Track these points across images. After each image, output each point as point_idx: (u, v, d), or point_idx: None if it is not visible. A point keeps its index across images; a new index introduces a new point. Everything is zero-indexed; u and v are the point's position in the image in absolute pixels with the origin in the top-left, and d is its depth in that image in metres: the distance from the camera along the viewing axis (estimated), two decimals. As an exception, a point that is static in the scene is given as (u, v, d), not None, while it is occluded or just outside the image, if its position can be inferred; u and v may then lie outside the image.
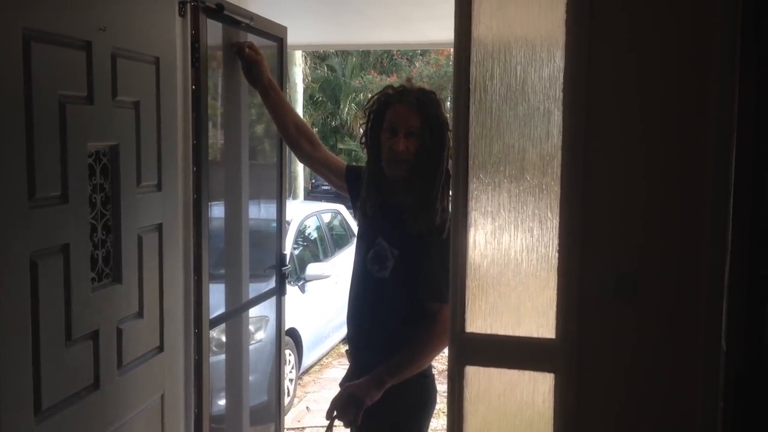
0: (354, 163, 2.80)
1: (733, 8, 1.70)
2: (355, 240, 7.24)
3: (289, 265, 3.61)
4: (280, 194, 3.42)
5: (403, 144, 2.26)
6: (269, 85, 2.73)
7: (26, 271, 1.75)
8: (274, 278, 3.54)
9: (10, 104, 1.68)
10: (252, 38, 2.92)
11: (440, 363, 4.25)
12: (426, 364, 2.28)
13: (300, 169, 15.09)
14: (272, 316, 4.63)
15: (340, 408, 2.23)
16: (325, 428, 2.33)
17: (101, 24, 2.00)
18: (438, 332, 2.21)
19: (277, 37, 3.25)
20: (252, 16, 2.87)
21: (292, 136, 2.73)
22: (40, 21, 1.77)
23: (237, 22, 2.79)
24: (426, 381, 2.37)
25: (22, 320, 1.74)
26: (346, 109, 21.21)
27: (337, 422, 2.27)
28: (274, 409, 3.68)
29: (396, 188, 2.34)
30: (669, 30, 1.82)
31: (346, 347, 2.52)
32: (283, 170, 3.41)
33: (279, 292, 3.49)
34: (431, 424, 2.45)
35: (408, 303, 2.28)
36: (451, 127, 2.18)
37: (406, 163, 2.28)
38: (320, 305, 6.38)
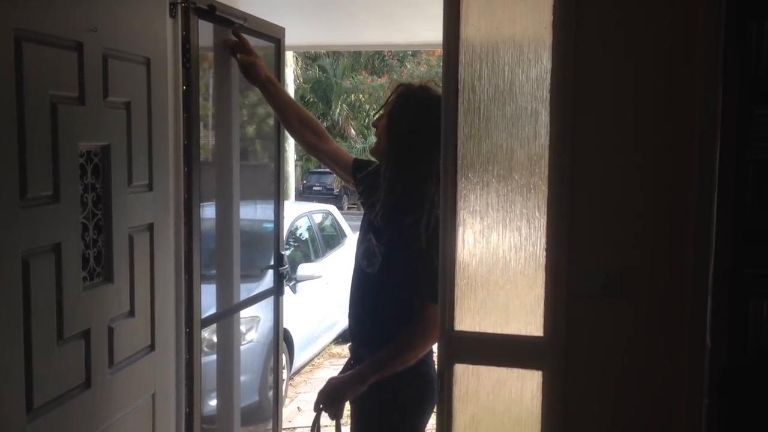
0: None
1: (717, 7, 1.72)
2: (345, 241, 7.19)
3: (287, 266, 3.61)
4: (278, 195, 3.42)
5: (377, 118, 2.40)
6: (268, 82, 2.75)
7: (18, 270, 1.75)
8: (267, 279, 3.54)
9: (1, 104, 1.69)
10: (248, 39, 2.93)
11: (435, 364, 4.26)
12: (411, 360, 2.27)
13: (291, 169, 15.09)
14: (263, 316, 4.64)
15: (323, 400, 2.25)
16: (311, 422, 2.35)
17: (92, 25, 2.01)
18: (422, 330, 2.22)
19: (274, 38, 3.26)
20: (245, 17, 2.88)
21: (295, 129, 2.76)
22: (32, 21, 1.78)
23: (230, 22, 2.80)
24: (422, 381, 2.35)
25: (14, 319, 1.75)
26: (338, 109, 21.24)
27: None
28: (265, 410, 3.68)
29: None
30: (655, 32, 1.84)
31: (349, 344, 2.55)
32: (280, 171, 3.41)
33: (277, 292, 3.49)
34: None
35: (394, 299, 2.30)
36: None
37: (376, 146, 2.42)
38: (311, 306, 6.39)
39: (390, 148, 2.32)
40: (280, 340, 3.62)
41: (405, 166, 2.28)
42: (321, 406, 2.27)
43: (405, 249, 2.25)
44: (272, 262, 3.51)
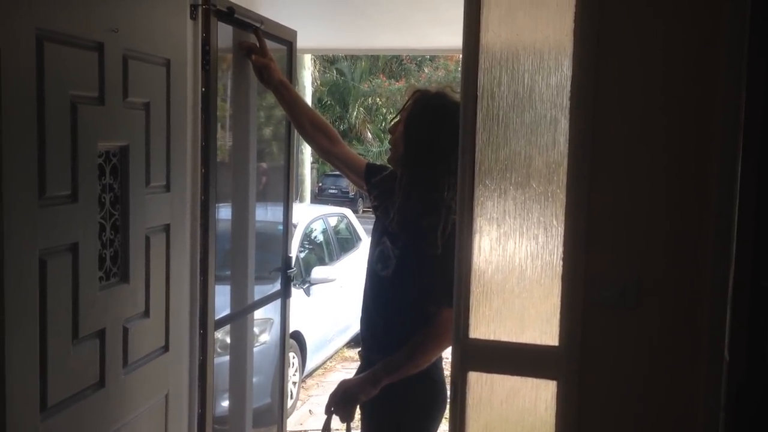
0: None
1: (741, 18, 1.71)
2: (360, 244, 7.21)
3: (294, 268, 3.62)
4: (287, 197, 3.43)
5: (394, 125, 2.37)
6: (281, 85, 2.76)
7: (35, 268, 1.76)
8: (279, 280, 3.55)
9: (22, 103, 1.70)
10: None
11: (445, 369, 4.25)
12: (424, 364, 2.27)
13: (307, 172, 15.13)
14: (277, 319, 4.65)
15: (335, 403, 2.25)
16: (322, 425, 2.34)
17: (113, 25, 2.02)
18: (435, 334, 2.22)
19: (286, 40, 3.27)
20: (262, 20, 2.89)
21: (308, 132, 2.76)
22: (54, 21, 1.79)
23: (247, 25, 2.81)
24: (434, 385, 2.37)
25: (30, 318, 1.76)
26: (355, 113, 21.27)
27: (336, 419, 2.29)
28: (277, 411, 3.68)
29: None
30: (677, 40, 1.83)
31: (359, 348, 2.54)
32: (290, 172, 3.42)
33: (284, 294, 3.50)
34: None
35: (408, 303, 2.29)
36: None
37: (392, 152, 2.39)
38: (325, 309, 6.39)
39: (407, 153, 2.32)
40: (287, 343, 3.63)
41: (421, 171, 2.27)
42: (332, 408, 2.26)
43: (421, 253, 2.25)
44: (292, 265, 3.52)
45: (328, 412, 2.28)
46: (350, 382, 2.29)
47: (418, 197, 2.27)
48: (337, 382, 2.34)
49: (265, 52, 2.79)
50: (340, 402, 2.24)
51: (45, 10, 1.77)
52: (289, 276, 3.51)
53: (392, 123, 2.43)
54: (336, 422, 2.29)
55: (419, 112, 2.31)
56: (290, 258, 3.50)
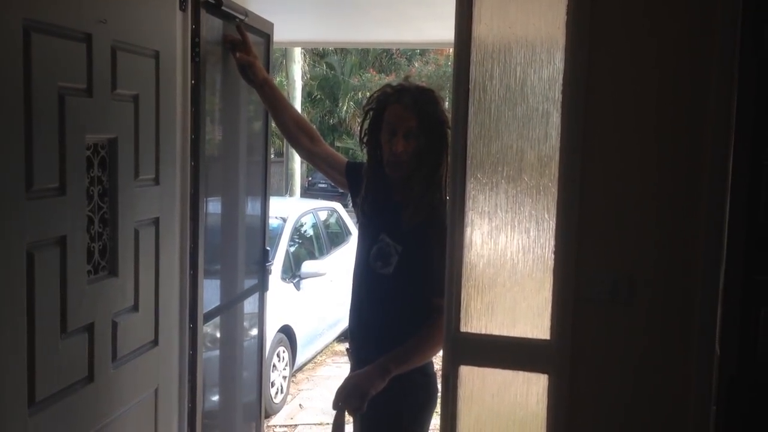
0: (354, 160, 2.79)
1: (733, 12, 1.70)
2: (350, 238, 7.15)
3: (272, 261, 3.60)
4: (265, 190, 3.42)
5: (401, 145, 2.26)
6: (265, 83, 2.73)
7: (22, 262, 1.75)
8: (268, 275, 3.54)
9: (9, 95, 1.68)
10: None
11: (435, 363, 4.25)
12: (430, 356, 2.29)
13: (297, 166, 15.08)
14: (266, 313, 4.64)
15: (344, 398, 2.23)
16: (332, 421, 2.32)
17: (102, 16, 2.00)
18: (442, 326, 2.22)
19: (264, 32, 3.24)
20: (246, 12, 2.87)
21: (290, 131, 2.73)
22: (41, 12, 1.77)
23: (233, 17, 2.79)
24: (428, 380, 2.38)
25: (18, 311, 1.74)
26: (345, 107, 21.23)
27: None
28: (266, 406, 3.67)
29: (398, 185, 2.34)
30: (669, 35, 1.82)
31: (347, 345, 2.51)
32: (267, 166, 3.41)
33: (261, 287, 3.48)
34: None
35: (413, 298, 2.29)
36: (450, 125, 2.20)
37: (405, 164, 2.28)
38: (315, 303, 6.38)
39: (429, 144, 2.29)
40: (264, 336, 3.61)
41: (441, 162, 2.28)
42: (340, 404, 2.24)
43: (427, 247, 2.25)
44: (269, 258, 3.50)
45: (337, 407, 2.26)
46: (359, 376, 2.27)
47: (439, 187, 2.29)
48: (328, 377, 2.33)
49: (249, 49, 2.76)
50: (351, 397, 2.23)
51: (32, 1, 1.75)
52: (267, 269, 3.49)
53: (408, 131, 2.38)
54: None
55: (437, 105, 2.31)
56: (268, 251, 3.48)
